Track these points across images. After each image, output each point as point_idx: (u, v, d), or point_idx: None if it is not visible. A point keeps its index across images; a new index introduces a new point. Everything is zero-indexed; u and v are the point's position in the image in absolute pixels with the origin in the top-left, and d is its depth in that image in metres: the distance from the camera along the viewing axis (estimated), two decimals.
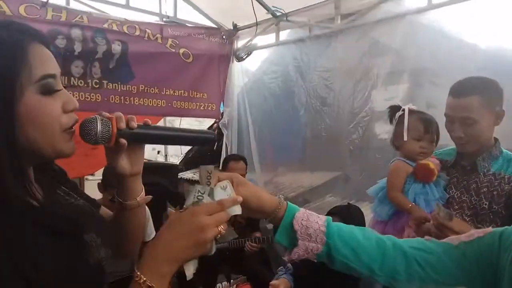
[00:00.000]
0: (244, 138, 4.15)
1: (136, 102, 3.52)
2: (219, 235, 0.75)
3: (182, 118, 5.35)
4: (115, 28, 3.20)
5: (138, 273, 0.69)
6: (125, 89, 3.43)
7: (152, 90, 3.61)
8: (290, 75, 3.63)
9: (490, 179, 1.55)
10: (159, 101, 3.68)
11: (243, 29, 3.98)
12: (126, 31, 3.28)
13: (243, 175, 3.26)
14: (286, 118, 3.76)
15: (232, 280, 3.00)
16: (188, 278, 0.75)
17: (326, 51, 3.38)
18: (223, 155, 4.23)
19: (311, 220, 0.88)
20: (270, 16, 3.67)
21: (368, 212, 3.32)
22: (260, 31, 3.78)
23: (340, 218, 1.46)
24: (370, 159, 2.99)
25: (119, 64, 3.32)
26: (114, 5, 3.29)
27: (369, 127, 3.02)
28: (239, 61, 4.07)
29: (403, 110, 1.77)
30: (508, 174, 1.52)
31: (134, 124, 0.81)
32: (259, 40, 3.94)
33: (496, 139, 1.61)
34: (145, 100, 3.59)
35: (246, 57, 4.01)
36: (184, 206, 0.76)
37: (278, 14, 3.64)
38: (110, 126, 0.79)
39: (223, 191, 0.80)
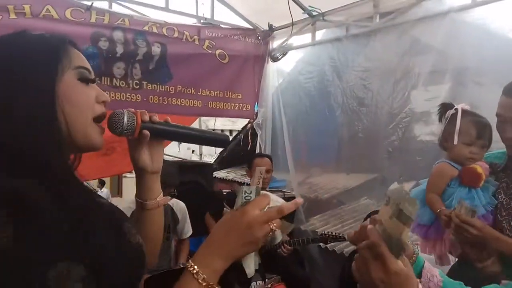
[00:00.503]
0: (278, 138, 4.15)
1: (174, 102, 3.60)
2: (270, 233, 0.77)
3: (217, 118, 5.44)
4: (155, 30, 3.29)
5: (192, 264, 0.73)
6: (163, 89, 3.51)
7: (189, 91, 3.67)
8: (326, 75, 3.60)
9: None
10: (195, 102, 3.74)
11: (279, 29, 3.98)
12: (165, 33, 3.36)
13: (269, 171, 3.26)
14: (321, 118, 3.73)
15: (267, 280, 3.02)
16: (248, 276, 0.77)
17: (364, 50, 3.33)
18: None
19: (434, 274, 0.96)
20: (306, 16, 3.65)
21: None
22: (296, 31, 3.77)
23: None
24: (410, 161, 2.92)
25: (159, 65, 3.41)
26: (154, 8, 3.38)
27: (409, 128, 2.94)
28: (274, 61, 4.07)
29: (456, 109, 1.66)
30: None
31: (156, 119, 0.88)
32: (295, 40, 3.93)
33: None
34: (182, 101, 3.66)
35: (282, 57, 4.00)
36: (234, 207, 0.79)
37: (314, 13, 3.62)
38: (135, 119, 0.85)
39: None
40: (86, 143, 0.79)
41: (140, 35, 3.23)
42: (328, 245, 3.29)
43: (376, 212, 2.30)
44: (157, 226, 0.98)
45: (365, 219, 2.22)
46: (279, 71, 4.20)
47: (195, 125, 5.10)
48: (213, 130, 7.03)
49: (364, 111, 3.24)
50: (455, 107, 1.67)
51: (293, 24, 3.65)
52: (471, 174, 1.60)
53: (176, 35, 3.43)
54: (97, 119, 0.80)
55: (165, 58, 3.43)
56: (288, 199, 3.53)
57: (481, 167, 1.61)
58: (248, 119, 4.70)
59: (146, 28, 3.25)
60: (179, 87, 3.59)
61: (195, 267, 0.72)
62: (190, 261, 0.74)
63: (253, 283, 2.96)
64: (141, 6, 3.36)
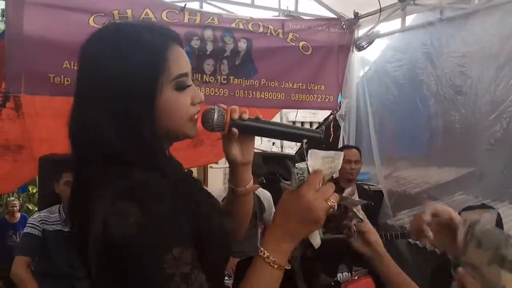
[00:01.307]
0: (364, 130, 4.03)
1: (258, 95, 3.68)
2: (331, 209, 0.78)
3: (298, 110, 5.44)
4: (241, 26, 3.39)
5: (262, 249, 0.78)
6: (248, 83, 3.61)
7: (272, 84, 3.73)
8: (417, 63, 3.40)
9: None
10: (278, 94, 3.78)
11: (365, 16, 3.85)
12: (251, 29, 3.44)
13: (358, 161, 3.18)
14: (411, 108, 3.54)
15: (353, 272, 2.98)
16: (316, 247, 0.82)
17: (461, 34, 3.08)
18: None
19: None
20: (395, 1, 3.48)
21: (508, 213, 2.98)
22: (384, 17, 3.62)
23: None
24: None
25: (244, 60, 3.51)
26: (241, 5, 3.48)
27: None
28: (359, 51, 3.95)
29: None
30: None
31: (246, 116, 0.89)
32: (382, 27, 3.77)
33: None
34: (266, 94, 3.72)
35: (368, 46, 3.87)
36: (291, 187, 0.81)
37: None
38: (225, 116, 0.88)
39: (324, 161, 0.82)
40: (181, 136, 0.86)
41: (227, 32, 3.35)
42: (418, 241, 3.14)
43: (469, 208, 2.13)
44: (245, 211, 1.04)
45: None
46: (364, 60, 4.06)
47: (276, 117, 5.17)
48: (294, 122, 7.05)
49: (461, 100, 3.00)
50: None
51: (381, 10, 3.51)
52: None
53: (261, 30, 3.50)
54: (192, 118, 0.86)
55: (251, 53, 3.52)
56: (373, 192, 3.44)
57: None
58: (330, 111, 4.64)
59: (233, 25, 3.36)
60: (263, 81, 3.66)
61: (265, 251, 0.77)
62: (260, 246, 0.79)
63: (339, 274, 2.94)
64: (228, 4, 3.48)
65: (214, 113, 0.87)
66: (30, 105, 3.16)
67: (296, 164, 0.84)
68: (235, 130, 0.88)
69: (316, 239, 0.83)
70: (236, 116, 0.89)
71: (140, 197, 0.71)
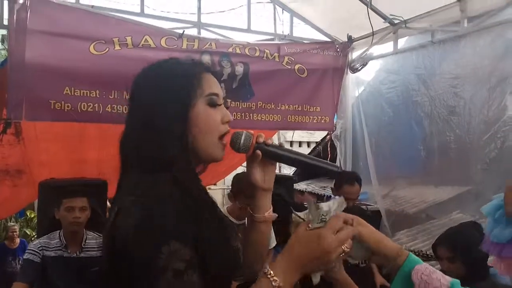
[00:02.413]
0: (360, 150, 4.08)
1: (255, 117, 3.74)
2: (343, 253, 0.83)
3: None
4: (238, 51, 3.48)
5: (270, 271, 0.81)
6: (246, 106, 3.67)
7: (269, 106, 3.80)
8: (411, 84, 3.48)
9: None
10: (275, 116, 3.85)
11: (358, 40, 3.95)
12: (248, 53, 3.53)
13: (358, 196, 3.16)
14: (406, 129, 3.60)
15: None
16: (315, 283, 0.88)
17: (453, 56, 3.17)
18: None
19: (433, 277, 0.84)
20: (387, 24, 3.59)
21: None
22: (377, 40, 3.72)
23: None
24: (510, 173, 2.70)
25: (241, 84, 3.58)
26: (237, 31, 3.58)
27: (509, 138, 2.73)
28: (354, 73, 4.04)
29: None
30: None
31: (270, 142, 0.98)
32: (375, 50, 3.87)
33: None
34: (262, 116, 3.78)
35: (361, 68, 3.96)
36: (310, 226, 0.85)
37: (396, 21, 3.54)
38: (252, 139, 0.96)
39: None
40: (208, 157, 0.93)
41: (225, 57, 3.43)
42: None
43: (459, 226, 2.14)
44: (262, 240, 1.06)
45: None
46: (359, 80, 4.15)
47: (274, 138, 5.22)
48: (291, 142, 7.10)
49: (455, 120, 3.07)
50: None
51: (373, 33, 3.61)
52: None
53: (257, 54, 3.59)
54: (222, 137, 0.93)
55: (247, 77, 3.59)
56: (371, 212, 3.38)
57: None
58: (327, 131, 4.70)
59: (230, 49, 3.44)
60: (260, 103, 3.72)
61: (272, 274, 0.80)
62: (268, 267, 0.82)
63: None
64: (225, 29, 3.57)
65: (242, 135, 0.95)
66: (31, 130, 3.19)
67: (321, 204, 0.89)
68: (258, 152, 0.96)
69: (317, 277, 0.88)
70: (261, 140, 0.96)
71: (151, 195, 0.80)
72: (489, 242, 1.63)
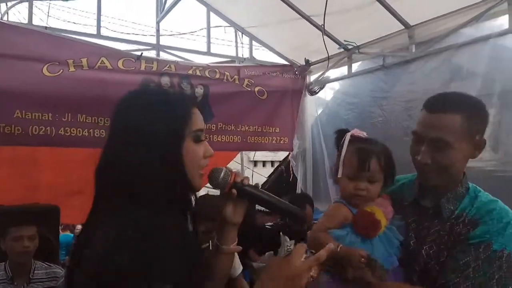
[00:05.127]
0: (320, 169, 4.14)
1: (215, 139, 3.73)
2: (311, 279, 0.89)
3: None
4: (198, 73, 3.49)
5: None
6: (206, 128, 3.64)
7: (229, 127, 3.81)
8: (367, 106, 3.60)
9: (452, 223, 1.21)
10: (235, 137, 3.87)
11: (316, 63, 4.09)
12: (208, 75, 3.54)
13: (311, 218, 3.20)
14: None
15: None
16: None
17: (404, 80, 3.33)
18: (299, 186, 4.28)
19: None
20: (342, 49, 3.74)
21: None
22: (332, 64, 3.86)
23: None
24: None
25: (201, 106, 3.55)
26: (197, 53, 3.60)
27: None
28: (312, 95, 4.16)
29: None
30: (470, 215, 1.19)
31: (247, 182, 1.03)
32: (332, 73, 4.01)
33: (464, 174, 1.27)
34: (223, 137, 3.79)
35: (319, 90, 4.09)
36: (278, 255, 0.91)
37: (350, 47, 3.70)
38: (230, 177, 1.00)
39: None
40: (191, 188, 0.97)
41: (185, 79, 3.43)
42: None
43: None
44: (225, 270, 1.11)
45: None
46: (318, 102, 4.26)
47: (237, 157, 5.24)
48: (255, 161, 7.15)
49: (410, 141, 3.19)
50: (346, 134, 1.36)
51: (329, 58, 3.74)
52: (366, 221, 1.22)
53: (217, 76, 3.61)
54: (200, 170, 0.98)
55: (207, 99, 3.60)
56: None
57: (381, 212, 1.24)
58: (287, 152, 4.76)
59: (190, 72, 3.45)
60: (220, 124, 3.73)
61: None
62: None
63: None
64: (185, 52, 3.58)
65: (222, 172, 1.00)
66: None
67: (287, 240, 0.99)
68: (234, 191, 1.00)
69: None
70: (238, 180, 1.01)
71: (134, 233, 0.79)
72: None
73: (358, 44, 3.65)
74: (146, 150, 0.87)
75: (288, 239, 0.99)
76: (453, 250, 1.17)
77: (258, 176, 5.83)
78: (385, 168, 1.31)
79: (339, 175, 1.29)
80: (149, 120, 0.89)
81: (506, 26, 2.69)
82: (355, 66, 3.92)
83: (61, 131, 2.92)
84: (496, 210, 1.18)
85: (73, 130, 2.95)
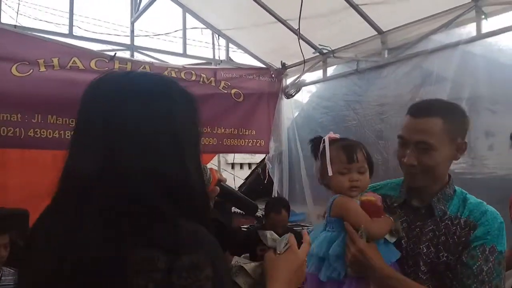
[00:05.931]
0: (295, 170, 4.17)
1: None
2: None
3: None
4: (173, 75, 3.44)
5: None
6: None
7: (205, 130, 3.77)
8: (341, 110, 3.66)
9: (447, 224, 1.27)
10: (211, 139, 3.84)
11: (292, 67, 4.12)
12: (184, 77, 3.51)
13: (286, 222, 3.25)
14: None
15: None
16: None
17: (377, 84, 3.41)
18: (275, 188, 4.30)
19: None
20: (317, 54, 3.79)
21: None
22: (308, 68, 3.90)
23: None
24: None
25: None
26: (173, 55, 3.55)
27: None
28: (288, 98, 4.19)
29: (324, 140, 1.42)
30: (464, 217, 1.26)
31: (224, 179, 1.04)
32: (308, 77, 4.05)
33: (449, 176, 1.34)
34: None
35: (295, 93, 4.12)
36: (278, 251, 0.98)
37: (325, 51, 3.75)
38: (213, 175, 0.99)
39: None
40: None
41: None
42: None
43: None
44: None
45: None
46: (295, 104, 4.30)
47: (214, 159, 5.21)
48: (232, 163, 7.14)
49: (382, 144, 3.26)
50: (323, 139, 1.43)
51: (304, 62, 3.78)
52: (371, 208, 1.30)
53: (194, 78, 3.59)
54: None
55: None
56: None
57: (377, 199, 1.33)
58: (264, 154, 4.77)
59: (165, 73, 3.39)
60: None
61: None
62: None
63: None
64: (161, 53, 3.54)
65: (207, 170, 0.98)
66: None
67: (283, 237, 1.01)
68: (217, 188, 1.00)
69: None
70: (221, 177, 1.02)
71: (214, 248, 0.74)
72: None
73: (333, 49, 3.71)
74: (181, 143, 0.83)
75: (274, 233, 1.02)
76: (456, 251, 1.22)
77: (236, 179, 5.81)
78: (368, 157, 1.42)
79: (330, 174, 1.35)
80: (180, 113, 0.84)
81: (474, 33, 2.79)
82: (330, 70, 3.97)
83: (30, 132, 2.83)
84: (488, 211, 1.25)
85: (43, 132, 2.87)
